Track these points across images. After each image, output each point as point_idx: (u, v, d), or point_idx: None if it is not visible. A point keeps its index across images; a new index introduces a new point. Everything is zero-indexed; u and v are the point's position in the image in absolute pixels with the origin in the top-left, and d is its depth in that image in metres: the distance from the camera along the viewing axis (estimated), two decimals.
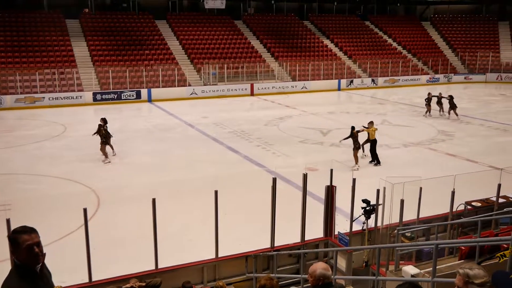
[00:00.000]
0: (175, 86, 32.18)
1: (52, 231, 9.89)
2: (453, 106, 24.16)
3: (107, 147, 16.76)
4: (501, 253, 4.33)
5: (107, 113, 26.84)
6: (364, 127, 16.43)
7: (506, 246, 4.85)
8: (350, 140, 15.78)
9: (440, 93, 25.34)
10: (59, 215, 11.45)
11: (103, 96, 29.86)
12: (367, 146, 16.54)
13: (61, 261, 7.77)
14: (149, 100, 30.82)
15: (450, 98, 24.18)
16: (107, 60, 32.65)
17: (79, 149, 18.56)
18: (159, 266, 7.73)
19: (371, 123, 16.52)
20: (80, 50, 33.19)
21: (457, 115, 24.28)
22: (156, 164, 16.57)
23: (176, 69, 32.96)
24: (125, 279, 7.08)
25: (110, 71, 31.06)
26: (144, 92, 30.91)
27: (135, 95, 30.61)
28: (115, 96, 30.12)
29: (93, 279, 7.27)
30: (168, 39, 36.76)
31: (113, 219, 11.62)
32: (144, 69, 32.12)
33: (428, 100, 24.96)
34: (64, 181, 14.61)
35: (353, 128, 15.95)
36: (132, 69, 32.18)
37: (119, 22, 36.80)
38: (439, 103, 24.79)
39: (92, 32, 34.74)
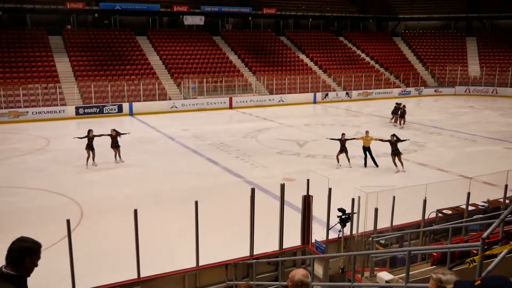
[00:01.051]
0: (156, 100, 32.77)
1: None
2: (402, 115, 26.29)
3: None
4: (471, 258, 4.33)
5: (89, 127, 27.26)
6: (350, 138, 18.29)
7: (475, 251, 4.83)
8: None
9: (397, 104, 27.30)
10: (43, 227, 11.40)
11: (86, 110, 30.29)
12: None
13: (45, 272, 7.71)
14: (131, 113, 31.33)
15: (399, 106, 26.51)
16: (90, 75, 33.10)
17: (62, 162, 18.76)
18: (141, 275, 7.77)
19: (367, 132, 18.12)
20: (63, 65, 33.58)
21: (403, 123, 26.47)
22: (137, 176, 16.79)
23: (156, 83, 33.60)
24: None
25: (92, 85, 31.49)
26: (125, 106, 31.43)
27: (117, 109, 31.11)
28: (97, 110, 30.56)
29: None
30: (149, 55, 37.40)
31: (96, 230, 11.75)
32: (125, 84, 32.67)
33: (397, 110, 26.60)
34: (48, 193, 14.75)
35: (343, 134, 17.78)
36: (114, 84, 32.68)
37: (100, 38, 37.30)
38: (394, 113, 26.80)
39: (74, 48, 35.17)
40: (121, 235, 10.25)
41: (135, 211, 7.47)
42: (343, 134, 17.78)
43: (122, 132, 18.50)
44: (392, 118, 27.20)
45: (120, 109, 31.18)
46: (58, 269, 7.81)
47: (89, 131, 17.79)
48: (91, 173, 17.24)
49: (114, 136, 18.10)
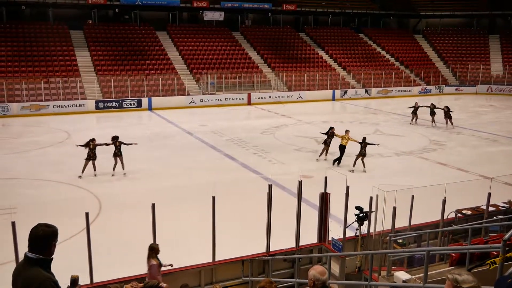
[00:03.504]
0: (174, 95, 33.01)
1: None
2: (448, 116, 25.17)
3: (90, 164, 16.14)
4: (492, 260, 4.29)
5: (108, 120, 27.81)
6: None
7: (495, 253, 4.75)
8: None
9: (432, 104, 26.43)
10: (62, 219, 11.25)
11: (105, 104, 30.67)
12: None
13: (63, 263, 7.62)
14: (150, 108, 31.62)
15: (447, 109, 25.22)
16: (109, 70, 33.50)
17: (82, 155, 18.84)
18: None
19: (346, 131, 18.03)
20: (84, 59, 34.04)
21: (452, 124, 25.32)
22: (155, 171, 16.93)
23: (175, 78, 33.82)
24: (125, 281, 7.13)
25: (112, 80, 31.88)
26: (144, 100, 31.73)
27: (136, 104, 31.43)
28: (117, 105, 30.92)
29: (94, 280, 7.38)
30: (168, 50, 37.66)
31: (114, 224, 11.85)
32: (144, 79, 32.98)
33: (415, 109, 26.10)
34: (67, 186, 14.98)
35: (331, 128, 17.65)
36: (133, 78, 33.02)
37: (121, 33, 37.69)
38: (432, 113, 25.80)
39: (95, 43, 35.62)
40: (139, 229, 10.35)
41: (153, 205, 7.55)
42: (364, 137, 17.52)
43: (127, 142, 16.61)
44: (412, 118, 26.81)
45: (139, 103, 31.47)
46: (76, 261, 7.93)
47: (91, 140, 16.18)
48: (110, 167, 17.35)
49: (118, 145, 16.36)
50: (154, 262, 7.29)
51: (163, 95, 32.72)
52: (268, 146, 20.89)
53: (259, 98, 35.12)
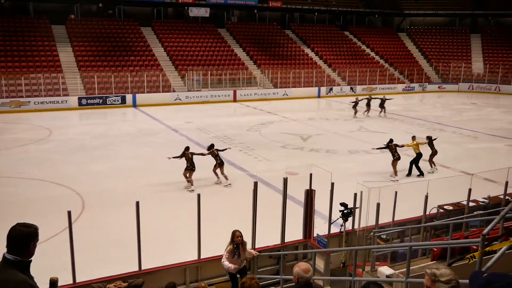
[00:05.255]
0: (159, 92, 32.82)
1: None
2: (382, 105, 28.07)
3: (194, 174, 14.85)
4: (471, 254, 4.36)
5: (92, 117, 27.56)
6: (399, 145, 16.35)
7: (475, 247, 4.89)
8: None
9: (369, 96, 29.47)
10: (44, 218, 11.13)
11: (88, 101, 30.35)
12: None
13: (45, 263, 7.49)
14: (134, 105, 31.39)
15: (383, 100, 28.19)
16: (93, 66, 33.14)
17: (64, 153, 18.78)
18: (143, 268, 7.77)
19: (413, 137, 16.75)
20: (66, 55, 33.60)
21: (384, 113, 28.40)
22: (140, 168, 16.79)
23: (160, 75, 33.62)
24: (108, 280, 7.10)
25: (95, 76, 31.56)
26: (129, 97, 31.48)
27: (120, 100, 31.16)
28: (100, 101, 30.62)
29: (77, 280, 7.24)
30: (153, 46, 37.40)
31: (98, 222, 11.69)
32: (129, 75, 32.72)
33: (355, 104, 27.89)
34: (49, 184, 14.73)
35: (391, 140, 16.12)
36: (118, 75, 32.72)
37: (104, 29, 37.29)
38: (368, 105, 28.14)
39: (78, 38, 35.16)
40: (123, 227, 10.16)
41: (137, 203, 7.49)
42: (391, 139, 16.27)
43: (221, 148, 15.46)
44: (355, 112, 28.22)
45: (123, 100, 31.23)
46: (58, 260, 7.86)
47: (186, 149, 14.78)
48: (94, 164, 17.27)
49: (216, 155, 15.02)
50: None
51: (148, 92, 32.52)
52: (253, 143, 20.92)
53: (245, 95, 35.12)
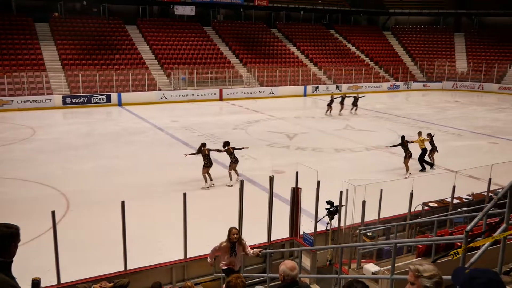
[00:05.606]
0: (145, 91, 32.58)
1: (21, 234, 9.81)
2: (355, 104, 28.71)
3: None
4: (455, 251, 4.38)
5: (76, 116, 27.29)
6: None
7: (459, 244, 4.92)
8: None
9: (344, 94, 30.18)
10: (28, 218, 10.97)
11: (73, 100, 30.02)
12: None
13: (30, 263, 7.61)
14: (119, 104, 31.13)
15: (356, 98, 28.87)
16: (77, 64, 32.78)
17: (48, 152, 18.55)
18: (128, 268, 7.73)
19: (419, 133, 17.14)
20: (50, 53, 33.16)
21: (355, 111, 28.88)
22: (126, 167, 16.68)
23: (146, 73, 33.38)
24: (93, 280, 7.04)
25: (80, 75, 31.22)
26: (114, 96, 31.21)
27: (105, 99, 30.88)
28: (85, 100, 30.30)
29: (62, 281, 7.18)
30: (138, 44, 37.12)
31: (83, 222, 11.59)
32: (114, 73, 32.42)
33: (331, 101, 28.14)
34: (33, 184, 14.55)
35: (403, 137, 16.29)
36: (102, 73, 32.39)
37: (89, 27, 36.86)
38: (342, 102, 28.59)
39: (61, 36, 34.72)
40: (108, 227, 10.21)
41: (123, 202, 7.44)
42: (403, 136, 16.51)
43: (238, 147, 15.30)
44: (327, 110, 28.48)
45: (108, 99, 30.95)
46: (43, 261, 7.83)
47: (202, 145, 14.70)
48: (78, 164, 17.10)
49: (232, 152, 14.88)
50: None
51: (133, 91, 32.27)
52: (240, 141, 20.65)
53: (231, 93, 35.07)
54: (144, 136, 22.01)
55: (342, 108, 28.59)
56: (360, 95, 29.75)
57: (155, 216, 11.97)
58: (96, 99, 30.63)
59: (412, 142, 16.50)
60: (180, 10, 40.26)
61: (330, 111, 28.24)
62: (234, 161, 14.70)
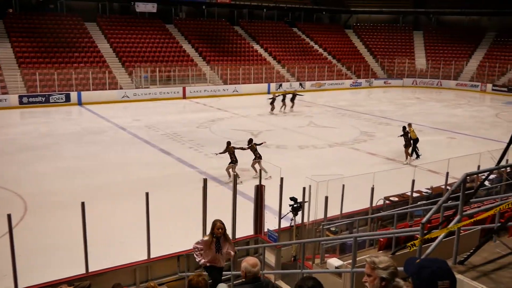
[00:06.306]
0: (106, 89, 31.86)
1: None
2: (293, 100, 28.61)
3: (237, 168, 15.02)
4: (412, 242, 4.53)
5: (34, 116, 26.43)
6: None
7: (418, 236, 4.92)
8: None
9: (285, 91, 30.66)
10: None
11: (30, 99, 29.02)
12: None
13: None
14: (79, 103, 30.34)
15: (294, 95, 28.85)
16: (34, 62, 31.69)
17: (5, 153, 18.01)
18: (90, 270, 7.60)
19: (409, 125, 18.36)
20: (4, 51, 31.91)
21: (292, 108, 28.74)
22: (87, 168, 16.37)
23: (107, 72, 32.65)
24: (53, 284, 6.89)
25: (37, 73, 30.25)
26: (73, 95, 30.39)
27: (64, 98, 30.03)
28: (43, 99, 29.38)
29: (19, 286, 6.99)
30: (99, 42, 36.26)
31: (41, 225, 11.33)
32: (73, 72, 31.55)
33: (273, 100, 28.12)
34: None
35: (404, 128, 17.86)
36: (61, 72, 31.49)
37: (46, 24, 35.72)
38: (283, 100, 28.62)
39: (17, 33, 33.49)
40: (69, 229, 9.96)
41: (83, 204, 7.28)
42: (403, 127, 18.14)
43: (258, 143, 15.77)
44: (272, 108, 28.35)
45: (67, 98, 30.12)
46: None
47: (228, 143, 15.25)
48: (38, 165, 16.62)
49: (255, 149, 15.36)
50: None
51: (93, 89, 31.49)
52: (204, 140, 20.81)
53: (194, 91, 34.79)
54: (106, 136, 21.62)
55: (283, 105, 28.51)
56: (298, 93, 29.95)
57: (118, 216, 11.79)
58: (55, 99, 29.76)
59: (408, 132, 17.94)
60: (141, 7, 39.58)
61: (273, 109, 28.09)
62: (259, 157, 15.19)
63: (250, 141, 15.55)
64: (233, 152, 14.96)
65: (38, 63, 31.73)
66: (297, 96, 29.24)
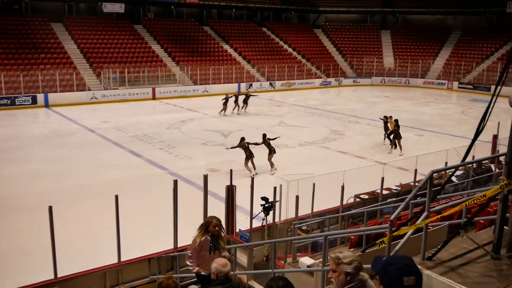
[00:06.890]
0: (73, 91, 31.21)
1: None
2: (246, 102, 28.49)
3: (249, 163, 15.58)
4: (381, 240, 4.54)
5: (0, 119, 25.66)
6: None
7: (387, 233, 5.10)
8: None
9: (237, 92, 30.86)
10: None
11: None
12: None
13: None
14: (46, 105, 29.64)
15: (247, 96, 28.80)
16: None
17: None
18: (59, 275, 7.49)
19: (390, 117, 20.02)
20: None
21: (245, 109, 28.69)
22: (55, 171, 16.07)
23: (74, 73, 31.96)
24: None
25: (1, 75, 29.36)
26: (40, 97, 29.66)
27: (30, 100, 29.27)
28: (9, 102, 28.57)
29: None
30: (65, 43, 35.46)
31: (7, 229, 11.09)
32: (39, 73, 30.77)
33: (226, 101, 27.78)
34: None
35: (396, 120, 19.04)
36: (27, 74, 30.68)
37: (10, 25, 34.64)
38: (239, 100, 28.53)
39: None
40: (36, 234, 9.77)
41: (50, 208, 7.16)
42: (396, 119, 19.33)
43: (272, 137, 16.32)
44: (223, 110, 27.87)
45: (34, 100, 29.37)
46: None
47: (242, 138, 15.80)
48: (3, 168, 16.17)
49: (269, 144, 15.97)
50: None
51: (61, 91, 30.79)
52: (174, 141, 20.67)
53: (164, 92, 34.46)
54: (74, 138, 21.24)
55: (236, 106, 28.23)
56: (251, 94, 29.83)
57: (88, 219, 11.61)
58: (21, 101, 28.98)
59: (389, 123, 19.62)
60: (108, 7, 38.89)
61: (225, 111, 27.70)
62: (274, 151, 15.83)
63: (264, 136, 16.10)
64: (247, 147, 15.50)
65: (3, 65, 30.80)
66: (251, 97, 29.03)
